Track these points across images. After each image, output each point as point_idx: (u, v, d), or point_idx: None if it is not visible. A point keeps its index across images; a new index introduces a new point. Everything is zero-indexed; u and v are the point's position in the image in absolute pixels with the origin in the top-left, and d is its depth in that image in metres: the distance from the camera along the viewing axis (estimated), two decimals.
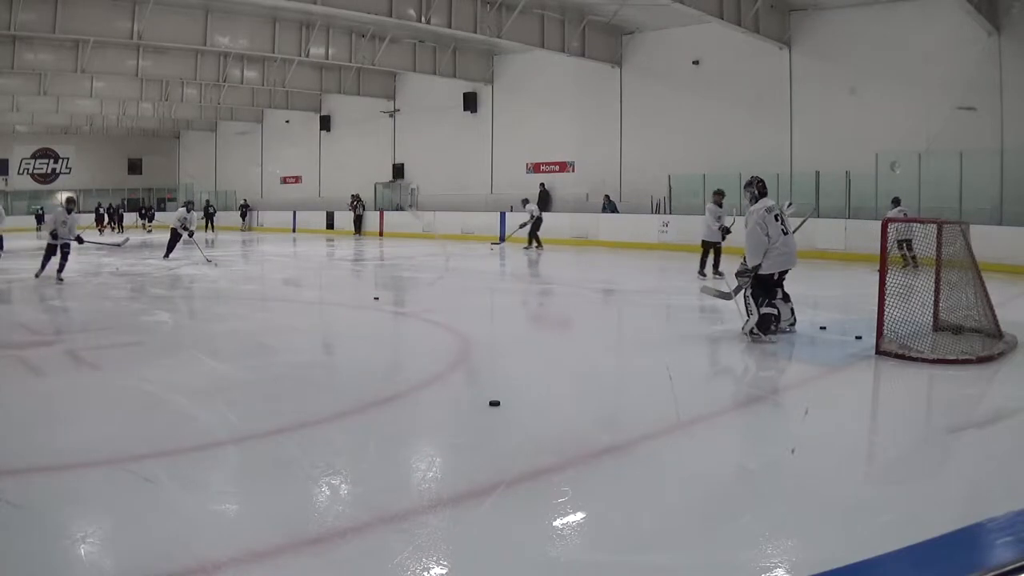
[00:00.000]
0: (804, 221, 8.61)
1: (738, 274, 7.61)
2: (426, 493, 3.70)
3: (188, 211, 17.72)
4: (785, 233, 7.19)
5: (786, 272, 7.40)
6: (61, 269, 12.54)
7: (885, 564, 2.84)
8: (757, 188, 7.45)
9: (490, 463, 4.05)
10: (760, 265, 7.13)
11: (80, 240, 12.94)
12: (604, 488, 3.75)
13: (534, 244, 18.82)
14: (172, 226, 17.62)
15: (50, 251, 12.60)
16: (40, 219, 33.16)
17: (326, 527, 3.25)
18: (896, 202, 14.13)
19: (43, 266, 12.69)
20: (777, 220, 7.16)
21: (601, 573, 2.92)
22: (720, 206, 12.32)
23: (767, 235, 7.09)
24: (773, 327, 7.15)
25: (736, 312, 7.86)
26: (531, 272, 15.50)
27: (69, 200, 13.24)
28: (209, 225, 31.94)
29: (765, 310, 7.08)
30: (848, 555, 2.89)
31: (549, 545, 3.16)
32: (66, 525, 3.26)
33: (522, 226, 19.29)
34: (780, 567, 2.95)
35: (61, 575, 2.91)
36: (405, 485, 3.82)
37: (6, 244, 17.89)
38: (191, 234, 17.43)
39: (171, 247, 17.11)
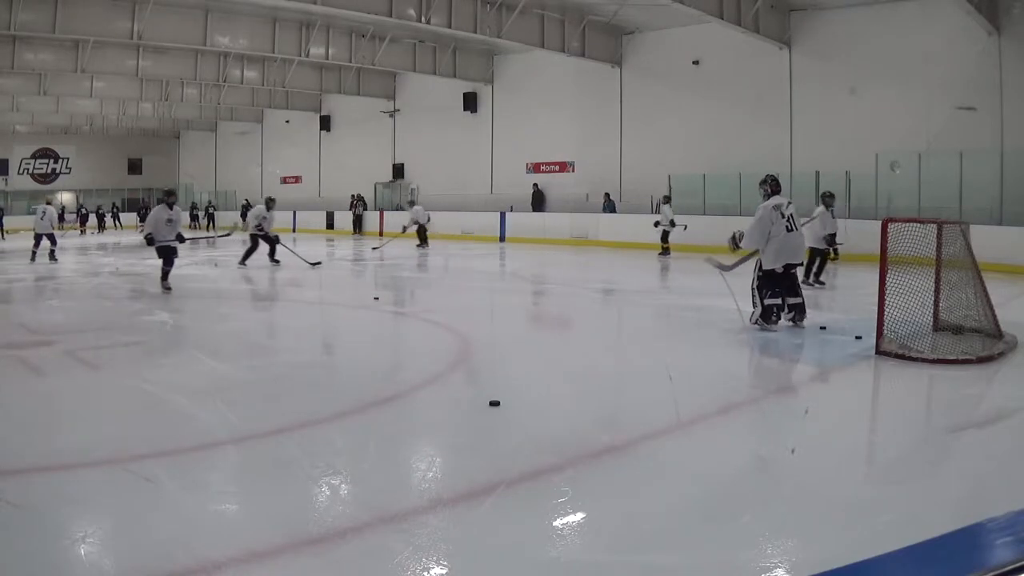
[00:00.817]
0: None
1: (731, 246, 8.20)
2: (426, 493, 3.69)
3: (269, 209, 15.17)
4: (790, 230, 7.61)
5: (793, 266, 7.76)
6: (166, 275, 11.24)
7: (885, 564, 2.84)
8: (770, 186, 7.89)
9: (490, 463, 4.05)
10: (742, 238, 7.78)
11: (181, 239, 11.45)
12: (604, 488, 3.75)
13: (420, 241, 19.97)
14: (249, 231, 15.22)
15: (166, 254, 11.16)
16: (62, 218, 33.26)
17: (326, 527, 3.25)
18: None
19: (166, 274, 11.27)
20: (784, 218, 7.60)
21: (601, 573, 2.92)
22: (830, 208, 11.58)
23: (770, 230, 7.57)
24: (774, 317, 7.60)
25: (736, 312, 7.89)
26: (531, 272, 15.49)
27: (170, 193, 11.58)
28: (211, 224, 32.13)
29: (768, 301, 7.58)
30: (848, 555, 2.89)
31: (549, 545, 3.15)
32: (66, 525, 3.26)
33: (405, 228, 20.03)
34: (780, 567, 2.94)
35: (61, 575, 2.91)
36: (405, 485, 3.82)
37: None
38: (277, 239, 15.04)
39: (248, 254, 14.89)
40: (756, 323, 7.65)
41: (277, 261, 15.01)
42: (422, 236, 20.09)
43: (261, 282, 13.54)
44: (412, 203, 21.00)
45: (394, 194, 28.32)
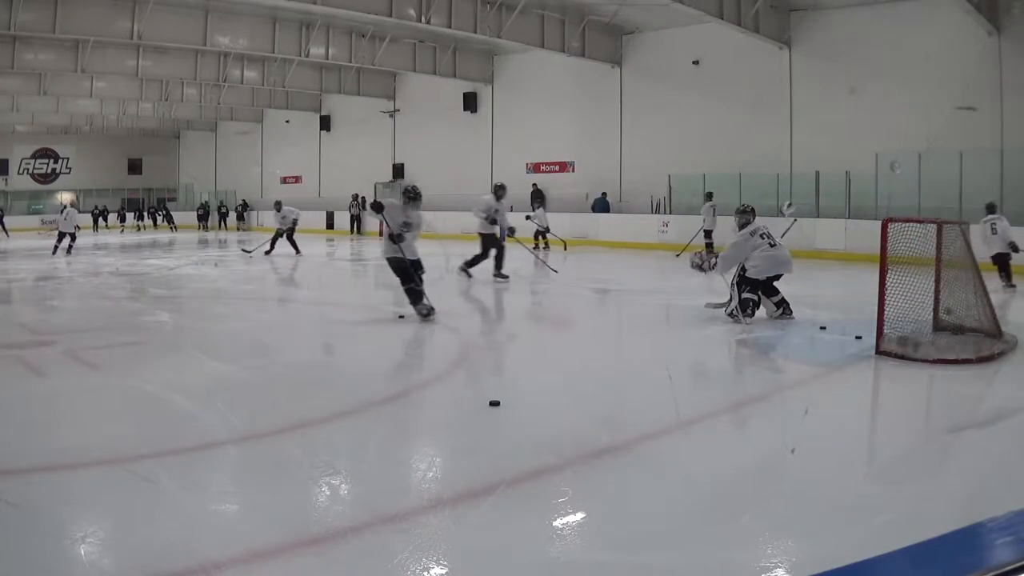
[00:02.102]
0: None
1: (701, 258, 8.87)
2: (426, 493, 3.69)
3: (499, 198, 11.44)
4: (772, 246, 8.08)
5: (778, 277, 8.14)
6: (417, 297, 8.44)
7: (885, 564, 2.84)
8: (746, 215, 8.42)
9: (490, 463, 4.05)
10: (716, 264, 8.42)
11: (418, 266, 8.36)
12: (604, 488, 3.75)
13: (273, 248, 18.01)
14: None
15: (400, 267, 8.43)
16: (159, 216, 33.67)
17: (326, 527, 3.25)
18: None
19: (418, 296, 8.37)
20: (763, 239, 8.12)
21: (601, 573, 2.92)
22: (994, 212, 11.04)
23: (751, 252, 8.07)
24: (749, 311, 7.98)
25: (734, 314, 7.91)
26: (530, 273, 15.48)
27: (412, 193, 8.37)
28: (222, 224, 32.32)
29: (746, 295, 7.99)
30: (848, 555, 2.89)
31: (549, 545, 3.15)
32: (66, 525, 3.26)
33: (290, 231, 18.31)
34: (780, 567, 2.94)
35: (61, 575, 2.91)
36: (405, 485, 3.82)
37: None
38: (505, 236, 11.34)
39: (499, 261, 11.56)
40: (731, 314, 8.00)
41: (506, 277, 11.79)
42: (273, 243, 17.92)
43: (261, 282, 13.54)
44: (280, 204, 18.56)
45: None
